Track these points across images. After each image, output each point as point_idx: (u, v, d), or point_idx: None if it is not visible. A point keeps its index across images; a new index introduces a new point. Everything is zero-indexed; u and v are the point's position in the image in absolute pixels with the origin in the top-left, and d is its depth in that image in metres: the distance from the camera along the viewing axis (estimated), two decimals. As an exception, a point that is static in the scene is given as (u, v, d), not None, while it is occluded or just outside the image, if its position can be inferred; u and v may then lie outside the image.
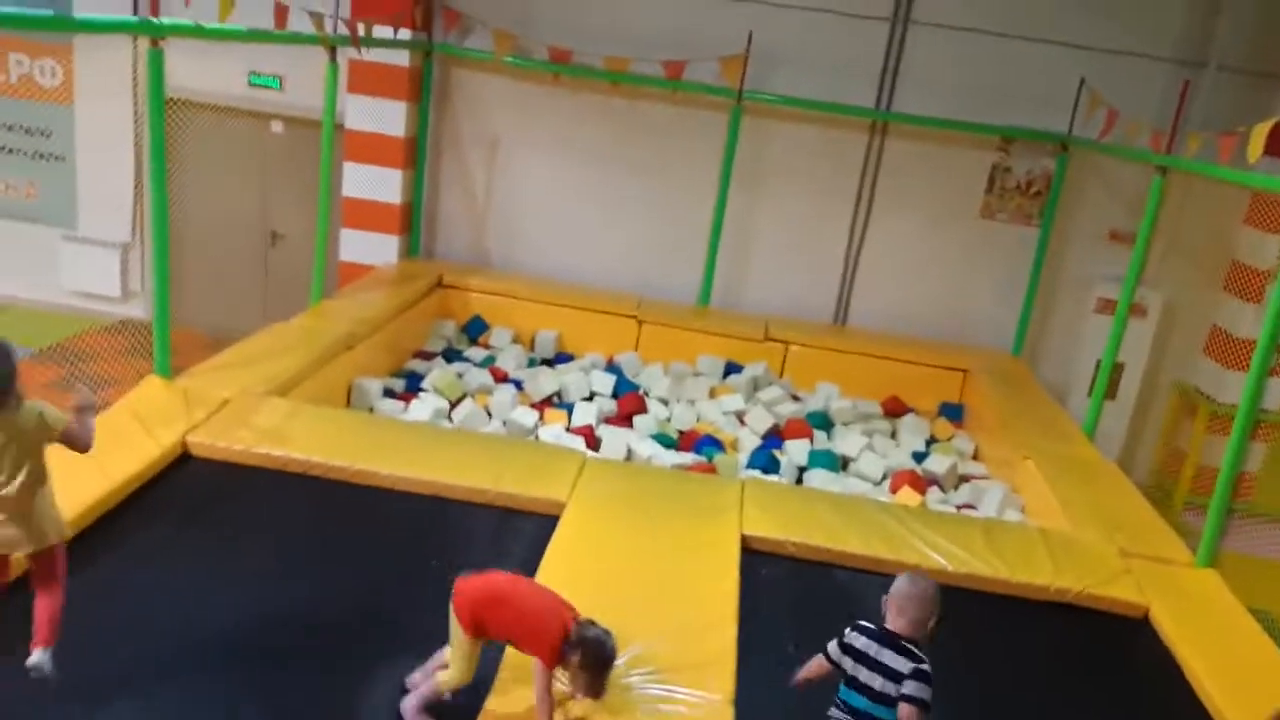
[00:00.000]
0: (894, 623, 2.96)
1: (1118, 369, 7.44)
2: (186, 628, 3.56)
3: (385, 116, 7.75)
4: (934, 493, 6.16)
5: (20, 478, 2.91)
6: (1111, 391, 7.37)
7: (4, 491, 2.90)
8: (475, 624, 3.07)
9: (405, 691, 3.27)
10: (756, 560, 4.47)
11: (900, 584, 3.01)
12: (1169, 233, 7.70)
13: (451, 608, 3.13)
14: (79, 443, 3.05)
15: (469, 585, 3.14)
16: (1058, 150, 7.64)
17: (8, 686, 3.10)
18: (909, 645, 2.92)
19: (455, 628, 3.12)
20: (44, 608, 3.01)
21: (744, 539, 4.53)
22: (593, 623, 3.10)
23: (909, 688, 2.83)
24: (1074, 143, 7.51)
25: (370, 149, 7.79)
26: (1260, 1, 7.26)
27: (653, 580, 4.03)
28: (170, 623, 3.57)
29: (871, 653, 2.93)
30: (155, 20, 4.65)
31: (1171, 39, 7.46)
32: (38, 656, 2.99)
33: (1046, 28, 7.53)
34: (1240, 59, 7.35)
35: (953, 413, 7.57)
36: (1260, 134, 4.68)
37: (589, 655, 3.00)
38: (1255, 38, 7.34)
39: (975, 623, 4.34)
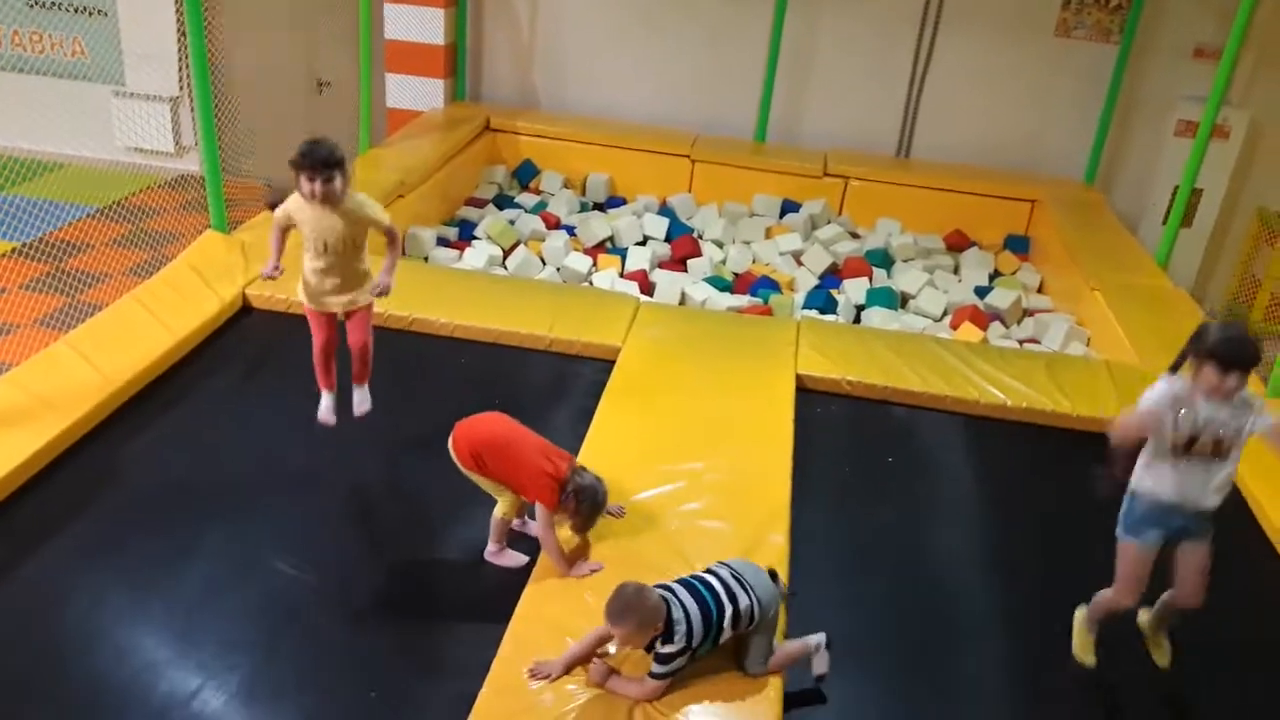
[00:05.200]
0: None
1: (1196, 195, 7.10)
2: (257, 472, 3.70)
3: (423, -49, 7.44)
4: (996, 328, 6.05)
5: (348, 253, 3.48)
6: (1188, 219, 7.07)
7: (338, 264, 3.47)
8: (476, 463, 3.17)
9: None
10: (812, 399, 4.47)
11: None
12: (1258, 47, 7.16)
13: (451, 450, 3.21)
14: (395, 240, 3.60)
15: (466, 429, 3.22)
16: (1141, -43, 7.08)
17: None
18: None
19: (461, 468, 3.21)
20: (359, 354, 3.72)
21: (799, 378, 4.52)
22: (584, 469, 3.20)
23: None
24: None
25: (410, -13, 7.53)
26: None
27: (708, 421, 4.06)
28: (242, 467, 3.72)
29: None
30: None
31: None
32: (360, 394, 3.79)
33: None
34: None
35: (1019, 245, 7.34)
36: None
37: (585, 502, 3.13)
38: None
39: (1036, 458, 4.33)
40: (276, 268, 3.56)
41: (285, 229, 3.53)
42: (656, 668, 2.67)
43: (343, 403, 3.85)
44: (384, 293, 3.61)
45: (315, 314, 3.61)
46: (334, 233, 3.40)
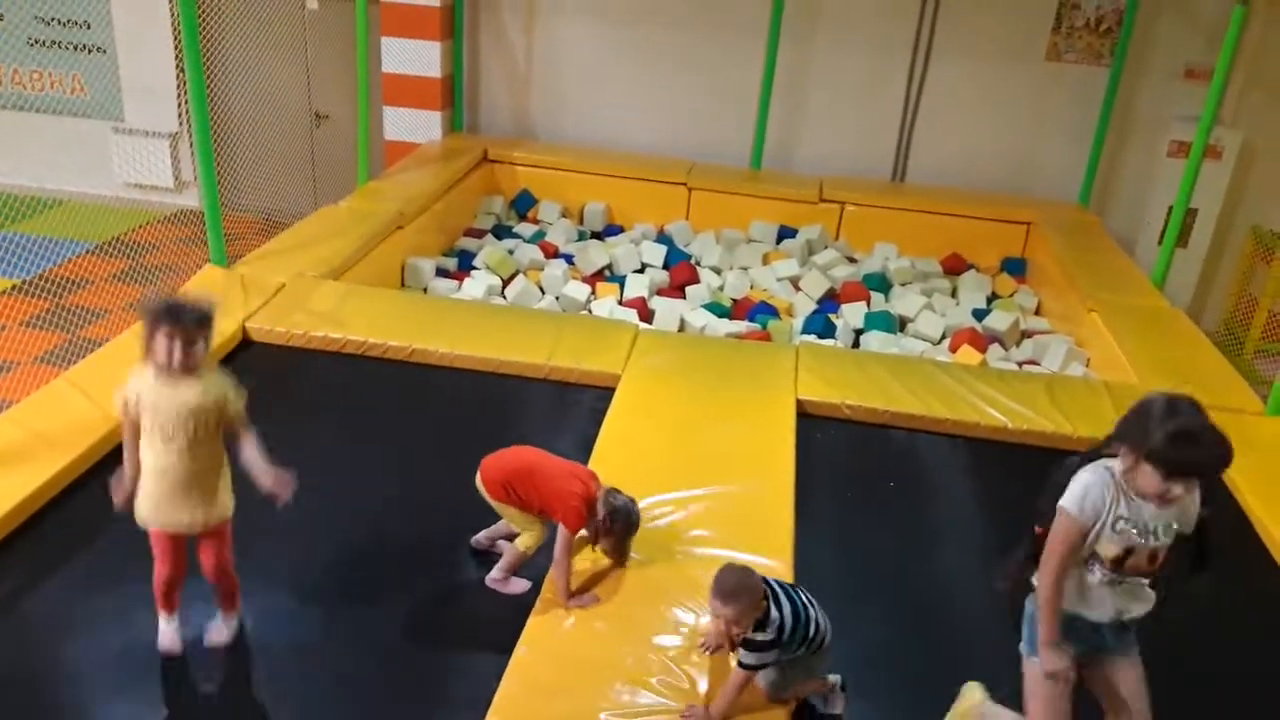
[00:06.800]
0: None
1: (1190, 215, 7.14)
2: (257, 505, 3.67)
3: (420, -14, 7.52)
4: (995, 350, 6.06)
5: (198, 448, 2.74)
6: (1183, 239, 7.09)
7: (185, 462, 2.73)
8: (506, 492, 3.19)
9: (474, 551, 3.48)
10: (812, 425, 4.47)
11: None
12: (1249, 67, 7.22)
13: (480, 484, 3.24)
14: (250, 438, 2.84)
15: (494, 462, 3.25)
16: (1131, -20, 7.15)
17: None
18: None
19: (491, 502, 3.24)
20: (217, 582, 2.99)
21: (799, 404, 4.52)
22: (618, 491, 3.20)
23: None
24: (1149, -30, 7.01)
25: (407, 21, 7.60)
26: None
27: (709, 448, 4.05)
28: (241, 500, 3.69)
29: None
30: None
31: None
32: (222, 623, 3.05)
33: None
34: None
35: (1015, 267, 7.37)
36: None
37: (617, 523, 3.14)
38: None
39: (1038, 480, 4.30)
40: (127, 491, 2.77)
41: (136, 423, 2.72)
42: (746, 656, 2.64)
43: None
44: (276, 499, 2.82)
45: (157, 535, 2.82)
46: (184, 412, 2.67)
